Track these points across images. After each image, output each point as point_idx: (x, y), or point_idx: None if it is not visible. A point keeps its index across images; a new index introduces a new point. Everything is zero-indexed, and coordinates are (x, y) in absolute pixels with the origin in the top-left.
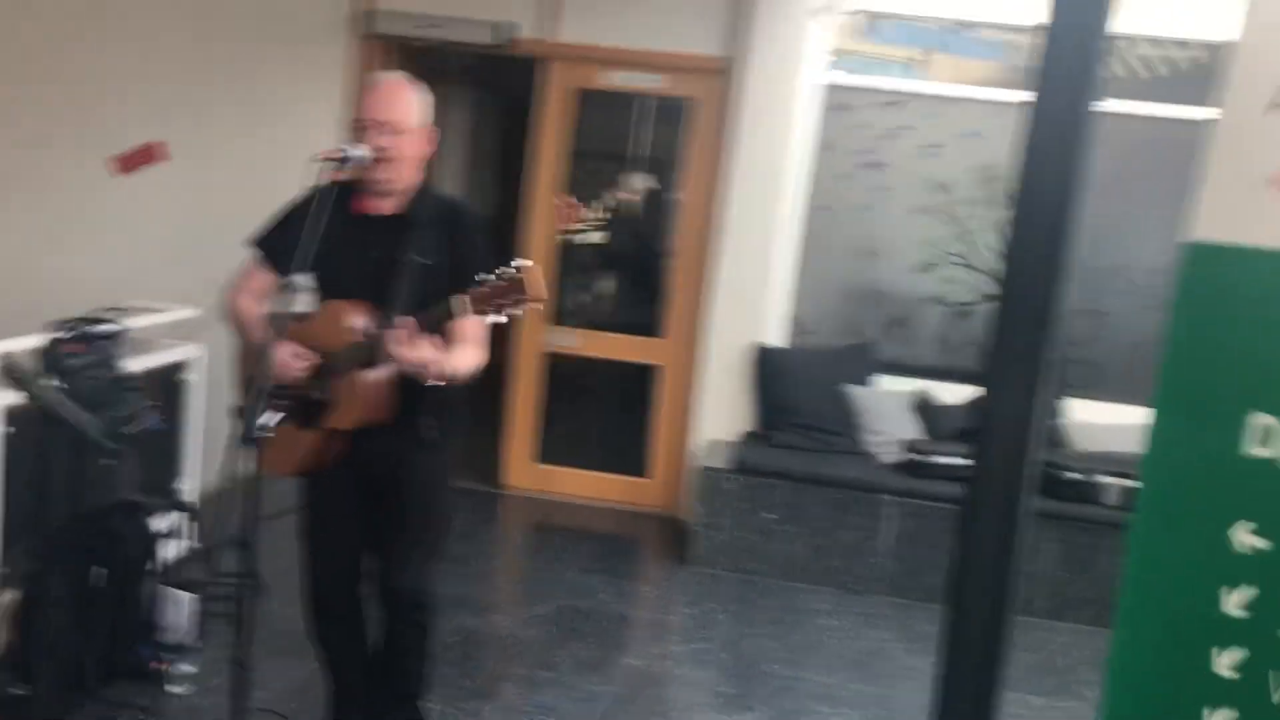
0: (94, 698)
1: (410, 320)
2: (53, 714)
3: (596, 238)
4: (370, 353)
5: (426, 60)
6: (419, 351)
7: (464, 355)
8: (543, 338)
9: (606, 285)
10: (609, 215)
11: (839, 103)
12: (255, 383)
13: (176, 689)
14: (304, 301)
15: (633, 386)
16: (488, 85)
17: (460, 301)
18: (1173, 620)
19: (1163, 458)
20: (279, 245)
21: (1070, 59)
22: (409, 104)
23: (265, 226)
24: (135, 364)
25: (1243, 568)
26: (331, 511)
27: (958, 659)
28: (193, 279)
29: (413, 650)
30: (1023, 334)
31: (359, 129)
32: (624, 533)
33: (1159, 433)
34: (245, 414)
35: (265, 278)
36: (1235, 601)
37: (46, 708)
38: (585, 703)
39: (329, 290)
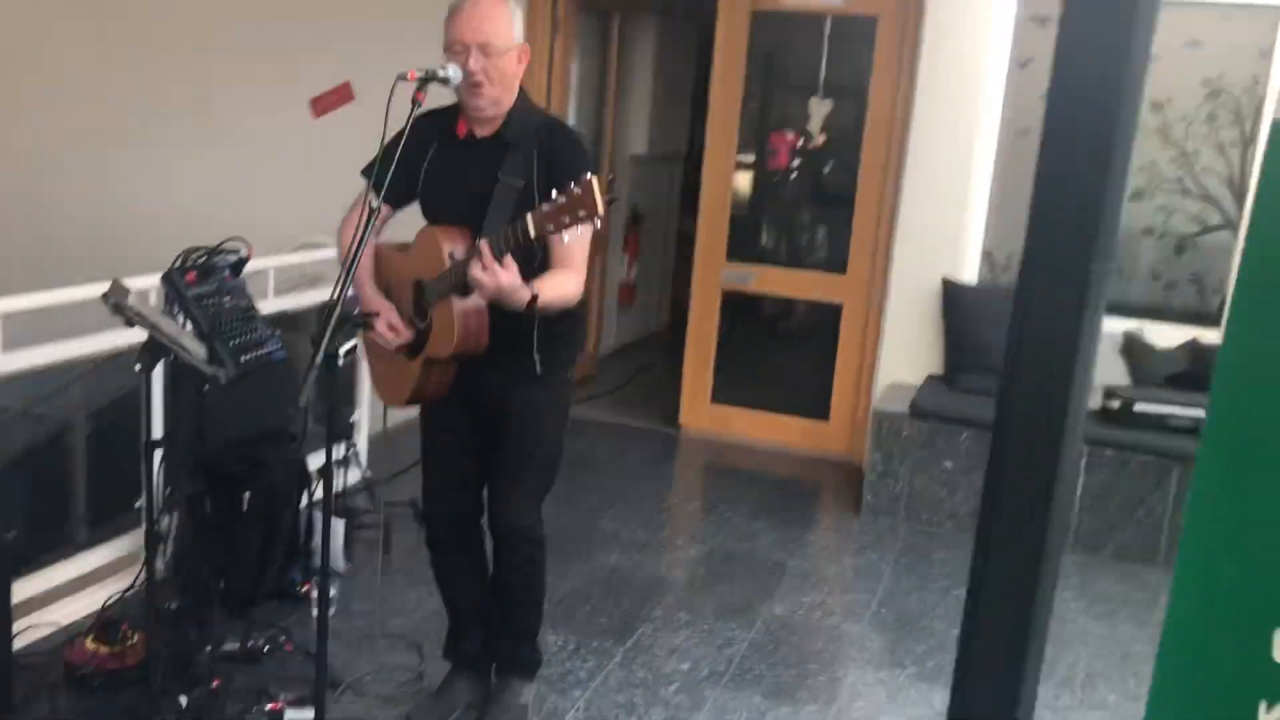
0: (241, 615)
1: (482, 245)
2: (201, 629)
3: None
4: (462, 280)
5: None
6: (496, 277)
7: (556, 282)
8: (719, 275)
9: (787, 219)
10: (795, 146)
11: (1037, 13)
12: (332, 307)
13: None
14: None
15: (816, 325)
16: (674, 13)
17: (530, 220)
18: (1229, 601)
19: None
20: (387, 179)
21: None
22: (500, 23)
23: (376, 156)
24: (308, 299)
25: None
26: (444, 443)
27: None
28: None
29: (522, 584)
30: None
31: (451, 52)
32: (798, 478)
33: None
34: (319, 341)
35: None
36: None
37: (196, 622)
38: (719, 648)
39: (433, 216)
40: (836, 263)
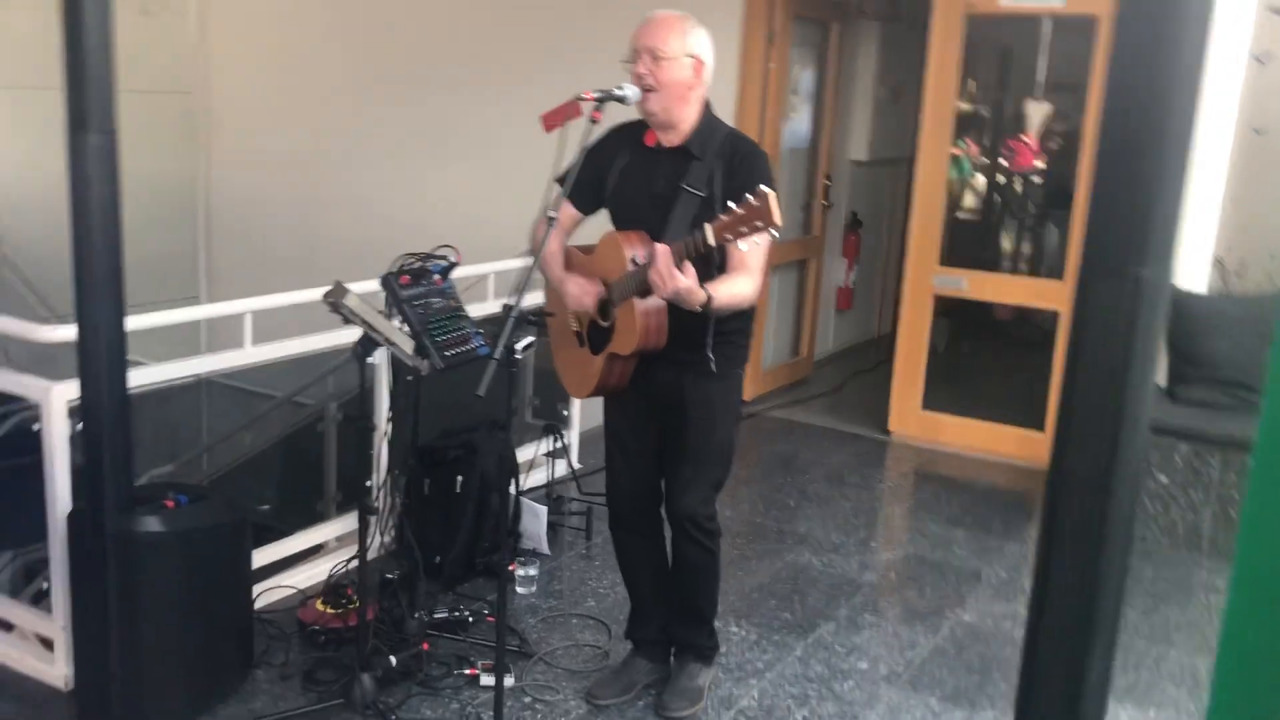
0: (451, 589)
1: (664, 249)
2: (414, 597)
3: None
4: (643, 282)
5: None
6: (675, 280)
7: (732, 285)
8: (930, 280)
9: (1004, 224)
10: (1013, 150)
11: (1276, 3)
12: (511, 307)
13: (522, 590)
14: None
15: (1034, 332)
16: (898, 18)
17: (709, 229)
18: None
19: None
20: (578, 185)
21: None
22: (672, 34)
23: (569, 164)
24: (527, 300)
25: None
26: (626, 434)
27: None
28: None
29: (699, 572)
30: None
31: (630, 59)
32: (1007, 487)
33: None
34: (499, 337)
35: (567, 214)
36: None
37: (410, 592)
38: (901, 650)
39: (619, 221)
40: (1054, 268)
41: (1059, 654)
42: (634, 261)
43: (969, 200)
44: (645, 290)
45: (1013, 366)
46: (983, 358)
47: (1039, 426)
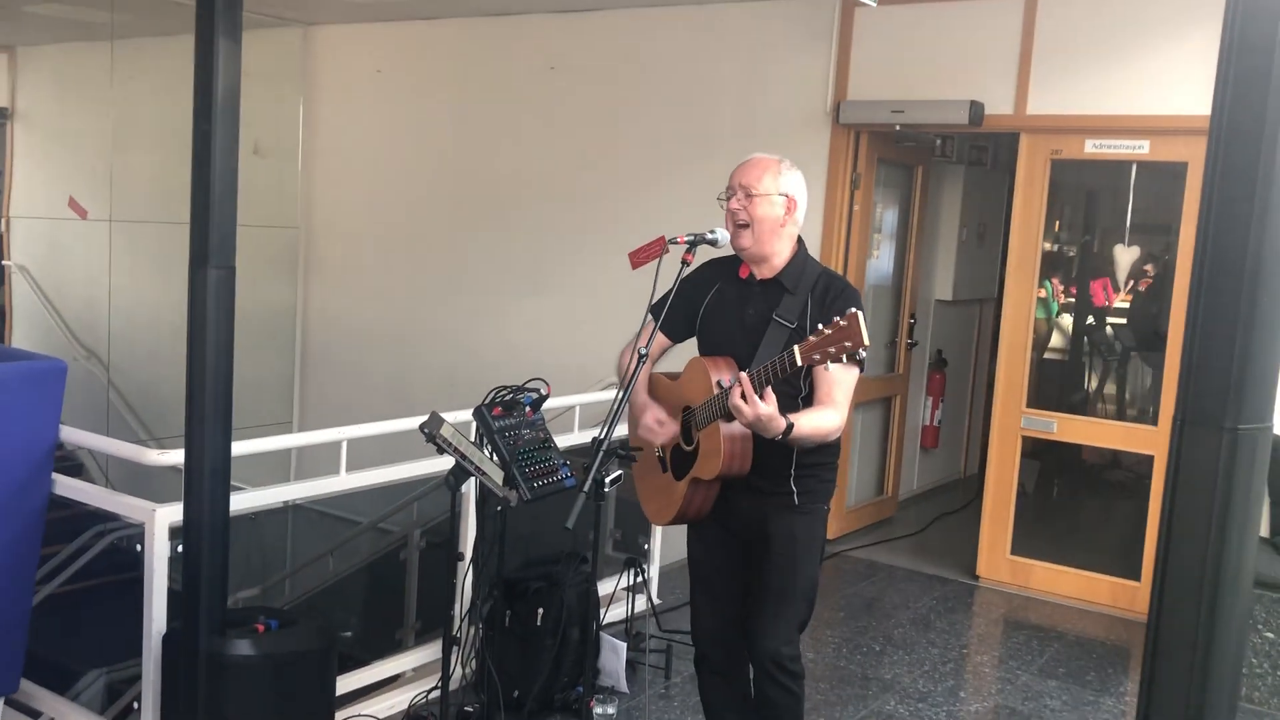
0: None
1: (743, 376)
2: None
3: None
4: (727, 406)
5: (906, 141)
6: (755, 406)
7: (817, 417)
8: (1018, 421)
9: (1095, 367)
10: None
11: None
12: (600, 441)
13: None
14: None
15: (1128, 477)
16: (981, 161)
17: (797, 350)
18: None
19: None
20: (671, 312)
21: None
22: (766, 173)
23: (663, 294)
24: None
25: None
26: (710, 565)
27: None
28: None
29: (780, 714)
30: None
31: (726, 194)
32: (1101, 638)
33: None
34: (587, 469)
35: (657, 340)
36: None
37: None
38: None
39: (710, 347)
40: (1148, 413)
41: None
42: (719, 385)
43: (1056, 340)
44: (729, 415)
45: (1105, 511)
46: (1073, 501)
47: (1134, 575)
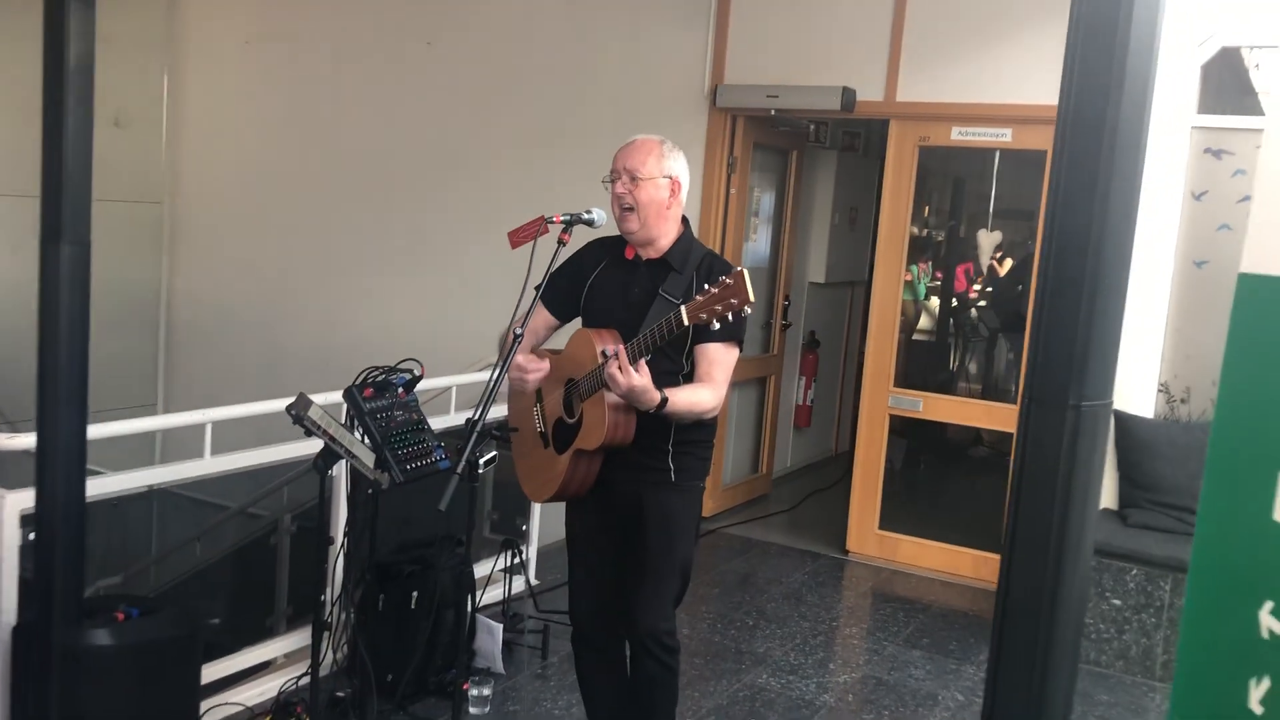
0: (403, 709)
1: (622, 347)
2: (363, 717)
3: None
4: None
5: (781, 125)
6: (629, 377)
7: (693, 393)
8: (886, 401)
9: (958, 347)
10: (969, 276)
11: (1212, 146)
12: (474, 422)
13: (475, 710)
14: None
15: (989, 454)
16: (854, 147)
17: (684, 309)
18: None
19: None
20: (556, 290)
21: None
22: (650, 156)
23: (546, 272)
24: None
25: (1266, 656)
26: (587, 543)
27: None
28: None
29: (657, 689)
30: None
31: (610, 181)
32: (964, 609)
33: (1207, 493)
34: (463, 450)
35: (542, 318)
36: (1257, 696)
37: (360, 711)
38: None
39: (596, 323)
40: (1008, 392)
41: None
42: (603, 354)
43: (924, 322)
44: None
45: (968, 487)
46: (939, 478)
47: (995, 548)
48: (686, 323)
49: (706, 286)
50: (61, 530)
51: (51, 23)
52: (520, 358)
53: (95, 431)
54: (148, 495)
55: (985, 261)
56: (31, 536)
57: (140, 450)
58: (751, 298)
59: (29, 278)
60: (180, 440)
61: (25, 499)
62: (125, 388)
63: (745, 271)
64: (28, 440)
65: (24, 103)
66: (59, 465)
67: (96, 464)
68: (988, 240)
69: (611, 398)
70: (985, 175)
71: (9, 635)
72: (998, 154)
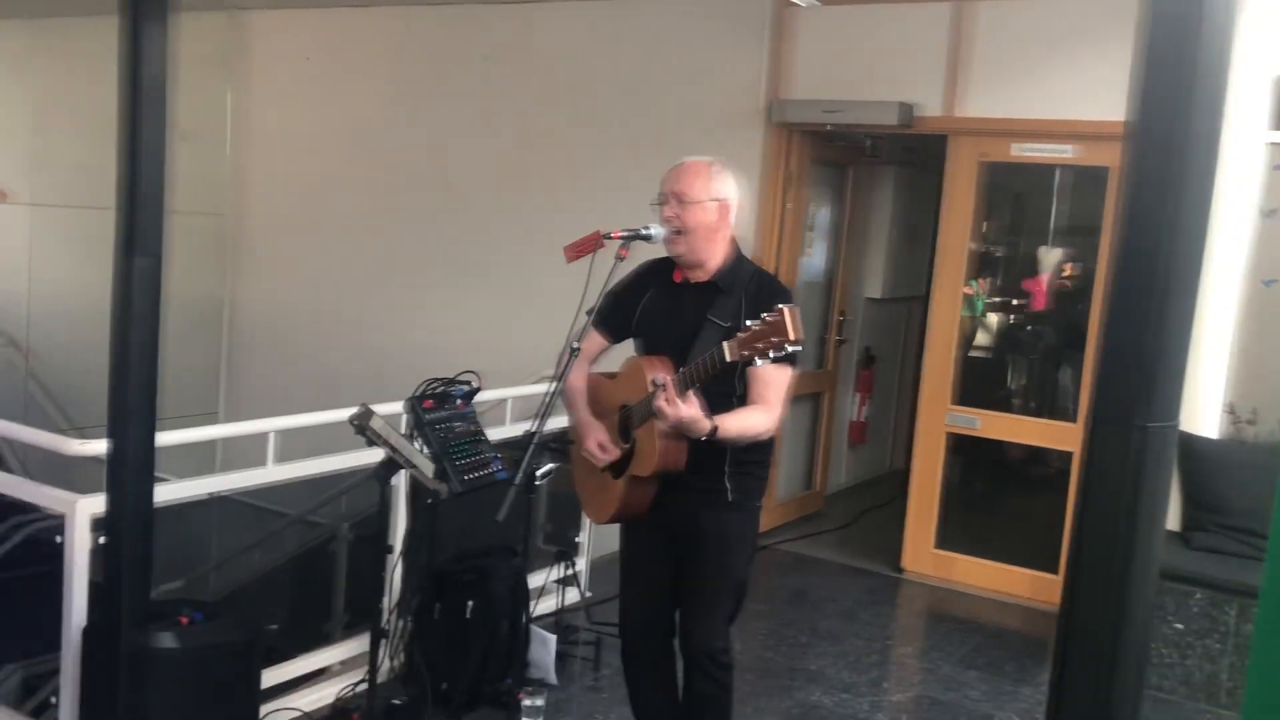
0: (457, 717)
1: (667, 379)
2: None
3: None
4: None
5: (838, 141)
6: (676, 409)
7: (745, 418)
8: (943, 418)
9: (1018, 365)
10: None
11: None
12: (532, 434)
13: None
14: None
15: (1050, 473)
16: (913, 163)
17: (726, 346)
18: None
19: None
20: (608, 313)
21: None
22: (699, 179)
23: (600, 296)
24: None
25: None
26: (642, 562)
27: None
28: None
29: (710, 707)
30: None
31: (659, 201)
32: (1021, 630)
33: None
34: (522, 463)
35: (595, 341)
36: None
37: (416, 719)
38: None
39: (648, 349)
40: (1068, 410)
41: None
42: (654, 383)
43: (982, 339)
44: None
45: (1027, 506)
46: (997, 496)
47: (1053, 568)
48: (729, 359)
49: (748, 324)
50: (130, 535)
51: (127, 42)
52: (593, 443)
53: (162, 439)
54: (209, 502)
55: (1046, 278)
56: (101, 540)
57: (202, 458)
58: (793, 335)
59: (98, 286)
60: (240, 449)
61: (96, 504)
62: (189, 397)
63: (790, 309)
64: (98, 447)
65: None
66: (129, 472)
67: (161, 471)
68: (1049, 257)
69: (663, 426)
70: (1046, 191)
71: (80, 636)
72: (1059, 170)
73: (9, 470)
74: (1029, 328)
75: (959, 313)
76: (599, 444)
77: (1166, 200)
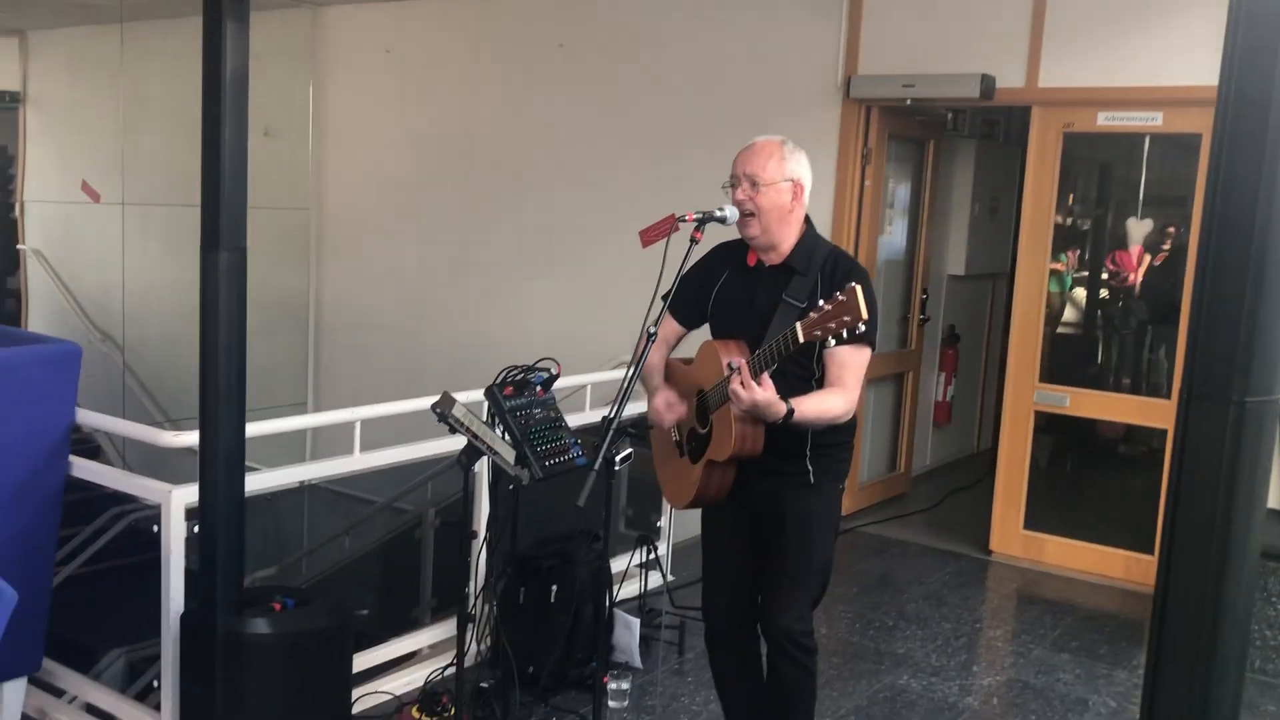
0: (544, 701)
1: (742, 363)
2: (507, 707)
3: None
4: None
5: (917, 115)
6: (751, 393)
7: (822, 400)
8: (1031, 397)
9: (1107, 341)
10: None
11: None
12: (610, 420)
13: (614, 704)
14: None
15: (1142, 452)
16: (994, 136)
17: (800, 327)
18: None
19: None
20: (682, 298)
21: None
22: (771, 160)
23: (675, 281)
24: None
25: None
26: (724, 546)
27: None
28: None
29: (794, 690)
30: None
31: (730, 184)
32: (1116, 612)
33: None
34: (598, 448)
35: (671, 327)
36: None
37: (503, 702)
38: None
39: (722, 334)
40: (1161, 386)
41: None
42: (729, 367)
43: (1071, 315)
44: None
45: (1119, 485)
46: (1087, 476)
47: (1148, 549)
48: (802, 340)
49: (822, 304)
50: (223, 523)
51: (210, 40)
52: (661, 400)
53: (252, 430)
54: (300, 491)
55: (1136, 251)
56: (195, 529)
57: (293, 448)
58: (865, 314)
59: (189, 282)
60: (327, 437)
61: (189, 494)
62: (278, 388)
63: (859, 289)
64: (190, 438)
65: (183, 117)
66: (220, 462)
67: (253, 461)
68: (1138, 229)
69: (738, 410)
70: (1134, 161)
71: (178, 622)
72: (1148, 138)
73: (109, 463)
74: (1119, 302)
75: (1045, 288)
76: (665, 401)
77: (1261, 163)
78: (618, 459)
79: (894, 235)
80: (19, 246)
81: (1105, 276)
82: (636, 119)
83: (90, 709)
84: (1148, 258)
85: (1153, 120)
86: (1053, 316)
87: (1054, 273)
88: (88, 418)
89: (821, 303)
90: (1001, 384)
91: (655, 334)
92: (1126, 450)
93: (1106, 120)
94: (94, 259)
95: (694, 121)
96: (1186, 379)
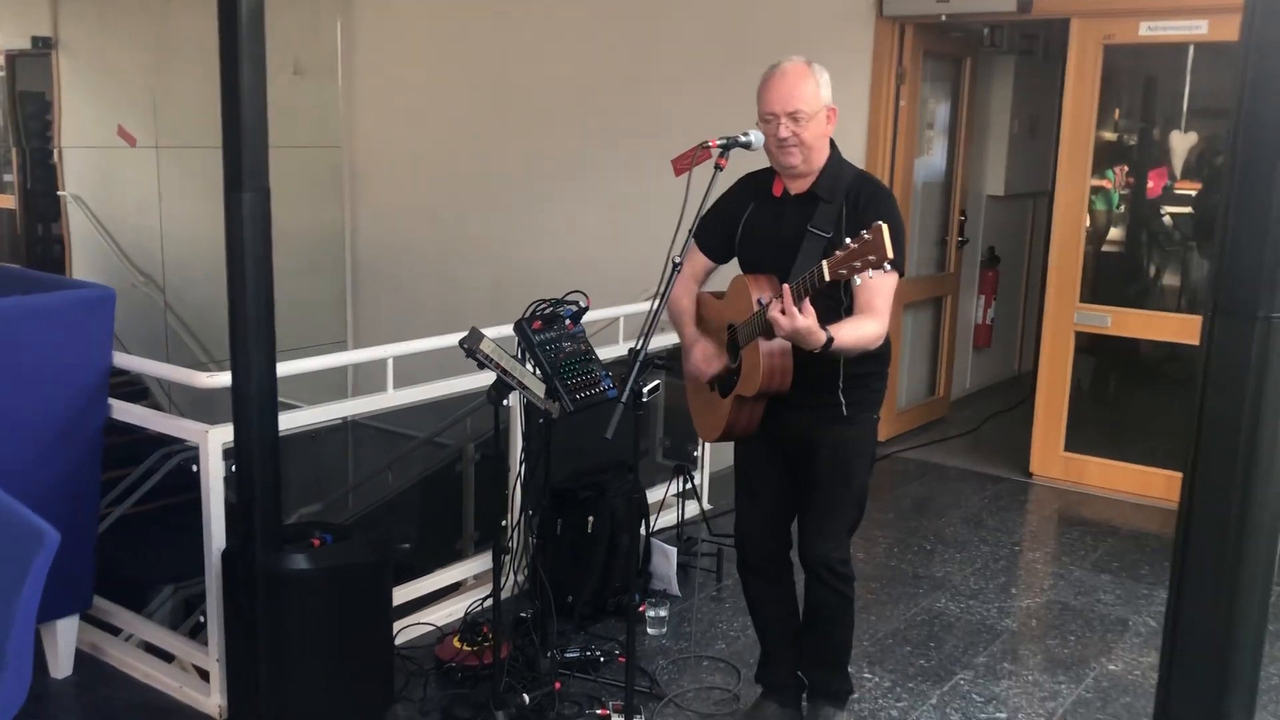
0: (583, 629)
1: (784, 289)
2: (546, 637)
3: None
4: (766, 322)
5: (953, 31)
6: (793, 320)
7: (854, 327)
8: (1071, 317)
9: (1149, 259)
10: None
11: None
12: (636, 352)
13: (653, 631)
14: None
15: (1183, 370)
16: (1033, 51)
17: (826, 265)
18: None
19: None
20: (707, 230)
21: None
22: (808, 90)
23: (700, 214)
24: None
25: None
26: (756, 478)
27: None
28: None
29: (832, 617)
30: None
31: (763, 120)
32: (1157, 532)
33: None
34: (627, 379)
35: (700, 261)
36: None
37: (542, 631)
38: (1043, 700)
39: (749, 266)
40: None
41: (1192, 707)
42: (759, 303)
43: (1113, 233)
44: (769, 331)
45: (1162, 405)
46: (1129, 396)
47: None
48: (828, 279)
49: (848, 241)
50: (258, 460)
51: None
52: (700, 353)
53: (286, 368)
54: (342, 428)
55: (1179, 165)
56: (233, 469)
57: (338, 387)
58: (889, 254)
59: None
60: (367, 374)
61: (226, 433)
62: (319, 326)
63: (884, 227)
64: (225, 379)
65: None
66: (252, 401)
67: (295, 398)
68: (1182, 143)
69: (767, 345)
70: (1178, 72)
71: (219, 559)
72: (1191, 48)
73: (156, 404)
74: (1162, 219)
75: (1085, 207)
76: (703, 355)
77: None
78: (645, 391)
79: (932, 156)
80: (60, 193)
81: (1147, 193)
82: (667, 44)
83: (146, 646)
84: (1191, 172)
85: (1197, 29)
86: (1097, 235)
87: (1099, 190)
88: (125, 360)
89: (848, 240)
90: (1042, 305)
91: (680, 264)
92: (1169, 370)
93: (1149, 30)
94: (132, 203)
95: (724, 46)
96: (1212, 295)
